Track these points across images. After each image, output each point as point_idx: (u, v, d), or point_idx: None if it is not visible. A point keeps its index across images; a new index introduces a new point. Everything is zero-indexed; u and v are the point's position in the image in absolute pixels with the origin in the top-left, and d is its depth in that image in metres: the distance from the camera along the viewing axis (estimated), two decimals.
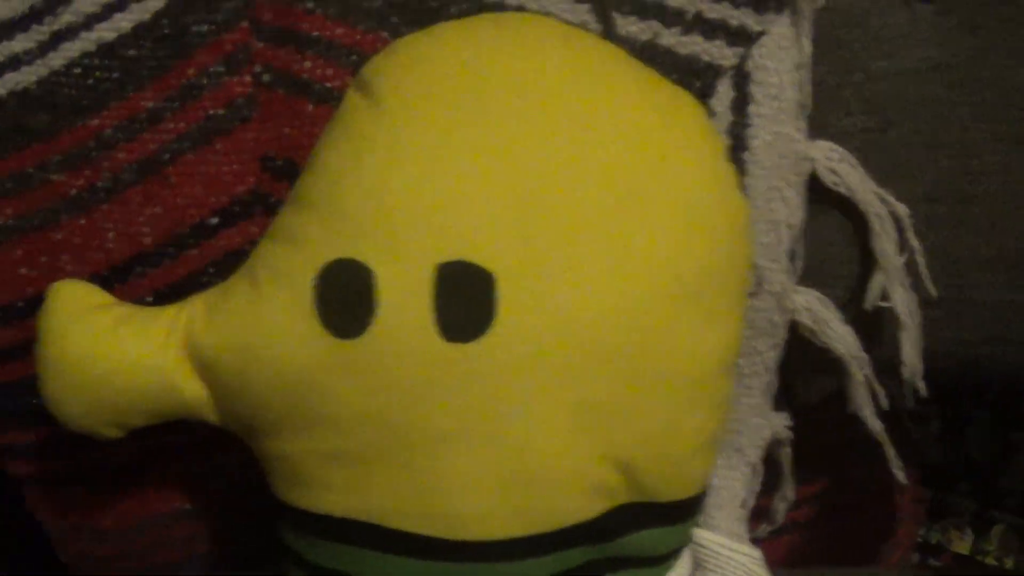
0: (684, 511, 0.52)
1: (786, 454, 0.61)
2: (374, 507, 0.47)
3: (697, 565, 0.55)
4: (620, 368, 0.47)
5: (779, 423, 0.59)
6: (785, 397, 0.61)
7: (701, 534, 0.56)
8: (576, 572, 0.50)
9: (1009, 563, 0.96)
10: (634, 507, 0.50)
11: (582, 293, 0.46)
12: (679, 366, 0.48)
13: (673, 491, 0.50)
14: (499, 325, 0.45)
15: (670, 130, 0.49)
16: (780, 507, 0.63)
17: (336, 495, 0.48)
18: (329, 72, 0.54)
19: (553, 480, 0.47)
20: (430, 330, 0.45)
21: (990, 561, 0.97)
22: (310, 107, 0.54)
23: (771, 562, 0.61)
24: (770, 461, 0.62)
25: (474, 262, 0.45)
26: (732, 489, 0.59)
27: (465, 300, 0.45)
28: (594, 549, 0.50)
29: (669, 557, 0.53)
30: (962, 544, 0.99)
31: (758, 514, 0.65)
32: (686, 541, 0.54)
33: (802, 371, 0.61)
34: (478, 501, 0.47)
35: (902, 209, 0.56)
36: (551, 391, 0.46)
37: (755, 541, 0.65)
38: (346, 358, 0.46)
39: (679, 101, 0.50)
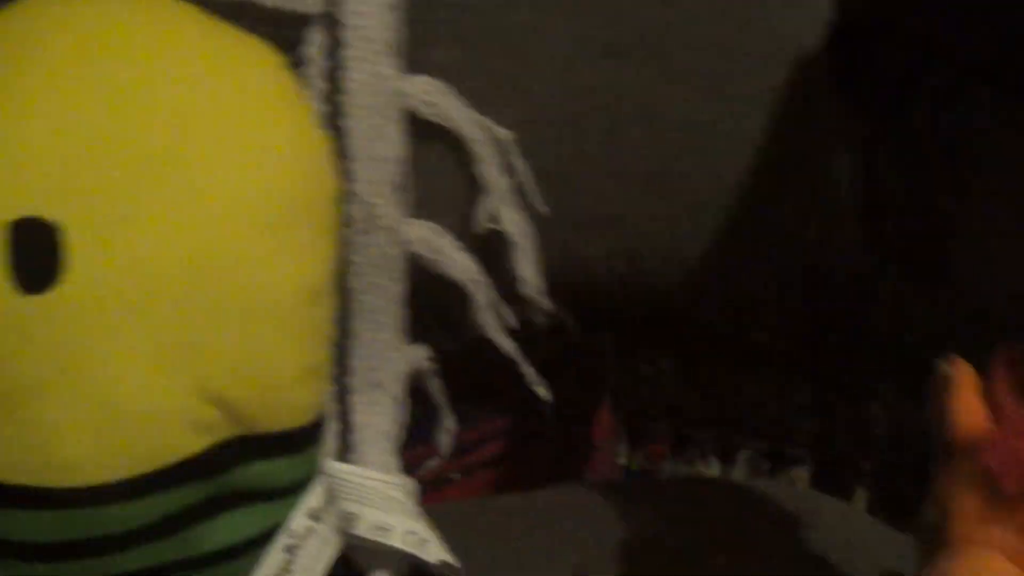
0: (297, 441, 0.53)
1: (436, 385, 0.62)
2: None
3: (331, 495, 0.56)
4: (198, 304, 0.48)
5: (416, 355, 0.60)
6: (450, 332, 0.63)
7: (331, 464, 0.57)
8: (194, 510, 0.51)
9: None
10: (240, 440, 0.51)
11: (152, 236, 0.47)
12: (259, 298, 0.49)
13: (276, 422, 0.51)
14: (72, 274, 0.46)
15: (233, 76, 0.50)
16: (444, 439, 0.64)
17: None
18: None
19: (147, 419, 0.48)
20: (6, 286, 0.46)
21: None
22: None
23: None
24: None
25: (43, 217, 0.46)
26: (378, 425, 0.60)
27: (37, 253, 0.46)
28: (206, 485, 0.51)
29: (293, 490, 0.54)
30: (709, 474, 1.02)
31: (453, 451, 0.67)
32: (310, 473, 0.55)
33: (457, 307, 0.63)
34: (77, 447, 0.48)
35: (503, 133, 0.58)
36: (133, 333, 0.47)
37: (448, 481, 0.66)
38: None
39: (245, 49, 0.51)
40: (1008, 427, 0.43)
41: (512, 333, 0.63)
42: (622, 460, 0.98)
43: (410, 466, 0.65)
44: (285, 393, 0.52)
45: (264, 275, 0.50)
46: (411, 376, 0.61)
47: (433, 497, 0.70)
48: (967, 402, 0.45)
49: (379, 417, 0.60)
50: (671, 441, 1.02)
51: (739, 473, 1.02)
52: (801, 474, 1.00)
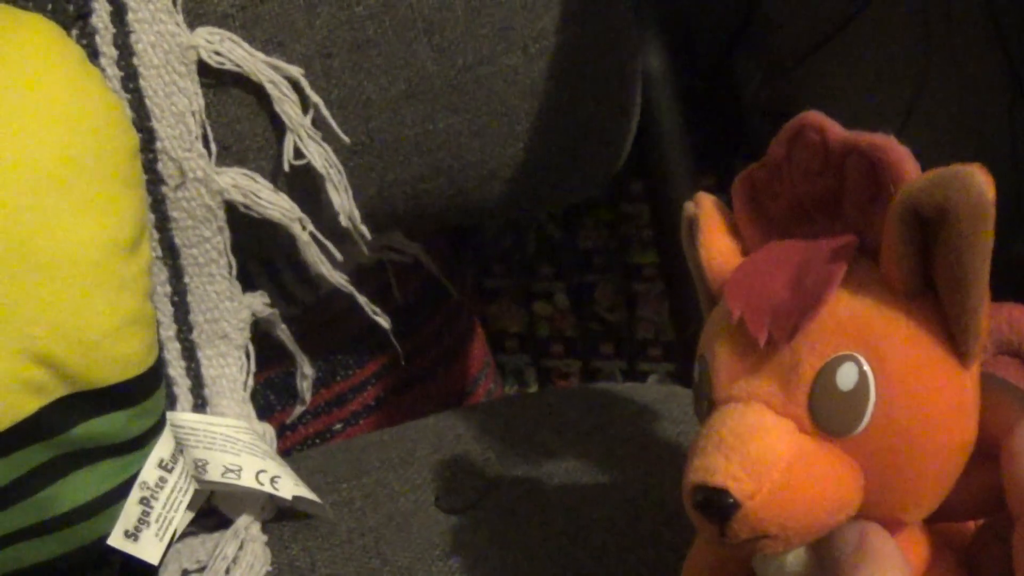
0: (128, 395, 0.53)
1: (284, 332, 0.63)
2: None
3: (179, 445, 0.57)
4: (6, 265, 0.49)
5: (256, 303, 0.61)
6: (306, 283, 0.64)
7: (175, 415, 0.58)
8: (40, 473, 0.52)
9: None
10: (72, 398, 0.51)
11: None
12: (65, 254, 0.50)
13: (104, 376, 0.52)
14: None
15: (18, 49, 0.51)
16: (303, 385, 0.65)
17: None
18: None
19: None
20: None
21: None
22: None
23: None
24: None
25: None
26: (229, 375, 0.61)
27: None
28: (47, 447, 0.51)
29: (139, 443, 0.55)
30: None
31: (328, 405, 0.67)
32: (153, 425, 0.56)
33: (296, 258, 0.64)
34: None
35: (295, 71, 0.59)
36: None
37: (332, 432, 0.67)
38: None
39: (26, 22, 0.53)
40: (749, 266, 0.36)
41: (368, 274, 0.64)
42: None
43: (286, 421, 0.66)
44: (107, 346, 0.52)
45: (66, 232, 0.51)
46: (258, 325, 0.62)
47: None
48: (715, 243, 0.38)
49: (228, 368, 0.61)
50: (580, 375, 1.03)
51: None
52: None
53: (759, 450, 0.32)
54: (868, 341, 0.32)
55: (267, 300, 0.62)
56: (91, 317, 0.52)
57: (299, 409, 0.67)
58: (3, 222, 0.49)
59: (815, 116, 0.34)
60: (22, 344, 0.49)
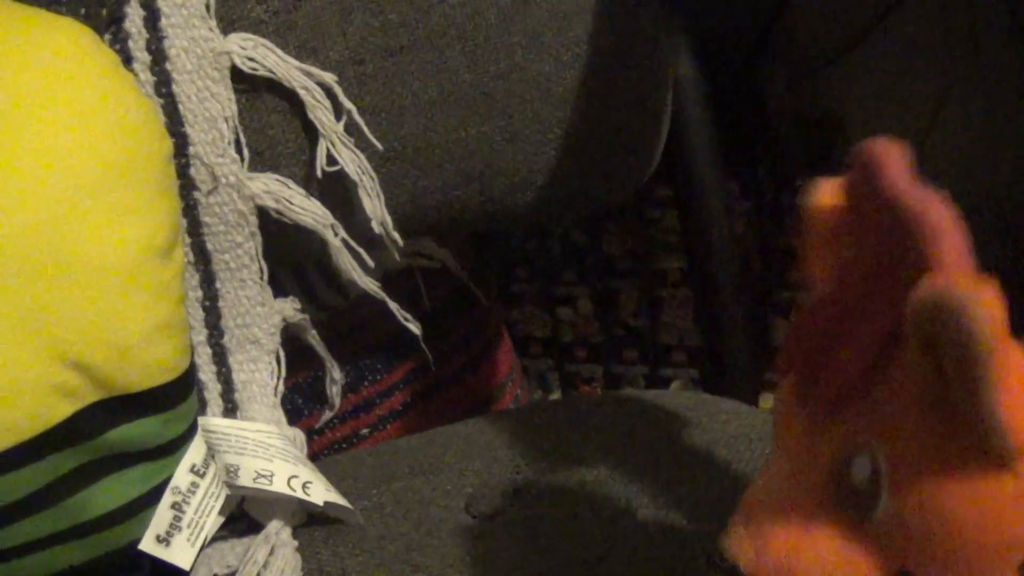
0: (160, 400, 0.54)
1: (314, 337, 0.63)
2: None
3: (210, 449, 0.57)
4: (43, 270, 0.49)
5: (287, 308, 0.61)
6: (335, 287, 0.64)
7: (207, 420, 0.58)
8: (73, 478, 0.52)
9: None
10: (106, 403, 0.52)
11: None
12: (99, 259, 0.50)
13: (137, 381, 0.52)
14: None
15: (54, 54, 0.52)
16: (332, 389, 0.65)
17: None
18: None
19: (8, 389, 0.49)
20: None
21: None
22: None
23: None
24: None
25: None
26: (260, 380, 0.61)
27: None
28: (79, 452, 0.52)
29: (171, 448, 0.55)
30: None
31: (354, 410, 0.67)
32: (185, 430, 0.56)
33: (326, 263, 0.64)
34: None
35: (329, 77, 0.59)
36: None
37: (359, 437, 0.67)
38: None
39: (59, 27, 0.53)
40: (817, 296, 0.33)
41: (396, 279, 0.64)
42: None
43: (314, 426, 0.66)
44: (140, 352, 0.52)
45: (101, 237, 0.51)
46: (287, 330, 0.62)
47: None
48: (819, 252, 0.33)
49: (258, 373, 0.61)
50: (602, 381, 1.02)
51: None
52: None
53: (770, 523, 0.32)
54: (887, 434, 0.31)
55: (298, 305, 0.62)
56: (124, 322, 0.52)
57: (328, 414, 0.67)
58: (39, 228, 0.49)
59: (876, 151, 0.30)
60: (55, 349, 0.50)
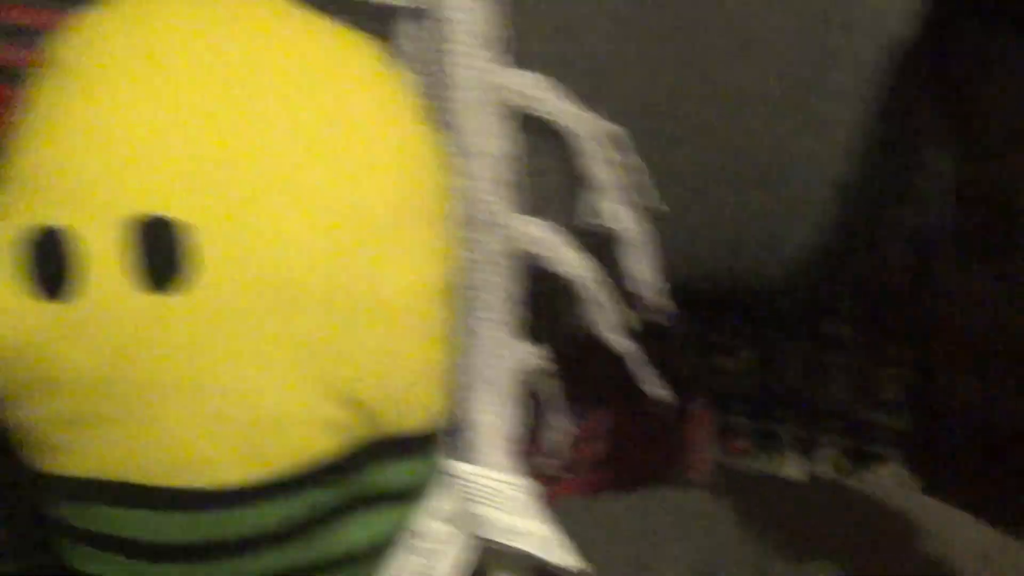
0: (426, 443, 0.53)
1: (550, 385, 0.62)
2: (113, 463, 0.48)
3: (455, 496, 0.55)
4: (327, 305, 0.48)
5: (528, 353, 0.60)
6: (551, 327, 0.62)
7: (456, 465, 0.56)
8: (324, 513, 0.51)
9: None
10: (372, 442, 0.51)
11: (279, 237, 0.47)
12: (384, 298, 0.49)
13: (406, 423, 0.51)
14: (204, 274, 0.47)
15: (348, 75, 0.50)
16: (556, 441, 0.64)
17: (76, 456, 0.49)
18: (22, 56, 0.54)
19: (280, 423, 0.48)
20: (134, 286, 0.46)
21: None
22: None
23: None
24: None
25: (172, 216, 0.46)
26: (493, 423, 0.59)
27: (167, 253, 0.46)
28: (338, 488, 0.51)
29: (421, 491, 0.54)
30: (794, 471, 1.01)
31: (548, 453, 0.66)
32: (436, 474, 0.55)
33: (556, 302, 0.62)
34: (208, 449, 0.48)
35: (609, 127, 0.57)
36: (264, 335, 0.47)
37: (550, 481, 0.66)
38: (57, 321, 0.46)
39: (350, 44, 0.51)
40: None
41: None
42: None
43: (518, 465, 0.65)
44: (412, 393, 0.51)
45: (390, 276, 0.49)
46: (526, 374, 0.61)
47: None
48: None
49: (495, 416, 0.60)
50: (751, 437, 1.01)
51: (821, 469, 1.01)
52: (884, 472, 0.99)
53: None
54: None
55: (542, 352, 0.60)
56: (402, 362, 0.51)
57: (542, 461, 0.65)
58: (331, 261, 0.48)
59: None
60: (331, 384, 0.49)
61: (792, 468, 0.99)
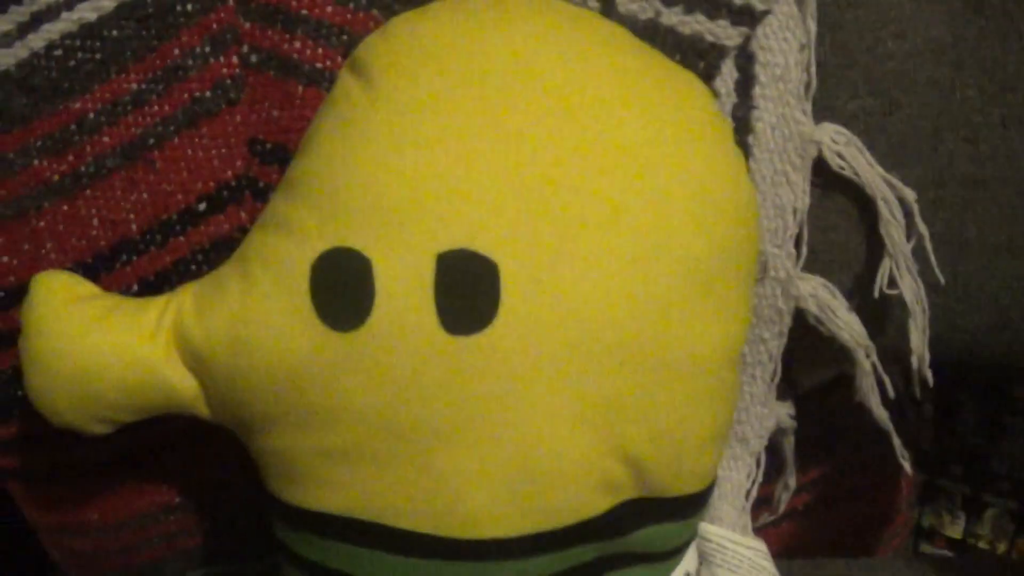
0: (692, 506, 0.50)
1: (789, 443, 0.60)
2: (375, 505, 0.46)
3: (703, 559, 0.53)
4: (628, 360, 0.45)
5: (783, 412, 0.57)
6: (785, 384, 0.60)
7: (707, 528, 0.54)
8: (584, 569, 0.49)
9: (1001, 547, 0.96)
10: (641, 502, 0.48)
11: (589, 282, 0.44)
12: (688, 358, 0.46)
13: (681, 486, 0.49)
14: (503, 316, 0.44)
15: (678, 113, 0.47)
16: (783, 496, 0.62)
17: (335, 492, 0.46)
18: (319, 52, 0.52)
19: (561, 476, 0.46)
20: (431, 322, 0.43)
21: (983, 545, 0.97)
22: (300, 89, 0.52)
23: (770, 550, 0.60)
24: (769, 449, 0.61)
25: (477, 251, 0.43)
26: (736, 480, 0.57)
27: (467, 290, 0.43)
28: (602, 545, 0.49)
29: (677, 552, 0.52)
30: (954, 528, 0.99)
31: (757, 502, 0.64)
32: (694, 535, 0.52)
33: (803, 358, 0.60)
34: (484, 498, 0.46)
35: (909, 193, 0.55)
36: (557, 384, 0.44)
37: (754, 530, 0.64)
38: (344, 351, 0.44)
39: (686, 83, 0.48)
40: None
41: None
42: None
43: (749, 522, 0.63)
44: (692, 457, 0.49)
45: (699, 334, 0.47)
46: (774, 432, 0.58)
47: None
48: None
49: (739, 473, 0.58)
50: (920, 489, 0.99)
51: (984, 529, 0.98)
52: None
53: None
54: None
55: (792, 411, 0.58)
56: (690, 426, 0.48)
57: (766, 517, 0.63)
58: (643, 314, 0.45)
59: None
60: (615, 443, 0.46)
61: (953, 524, 0.97)
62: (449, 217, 0.44)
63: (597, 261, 0.45)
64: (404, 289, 0.43)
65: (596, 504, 0.47)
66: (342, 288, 0.44)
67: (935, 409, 0.96)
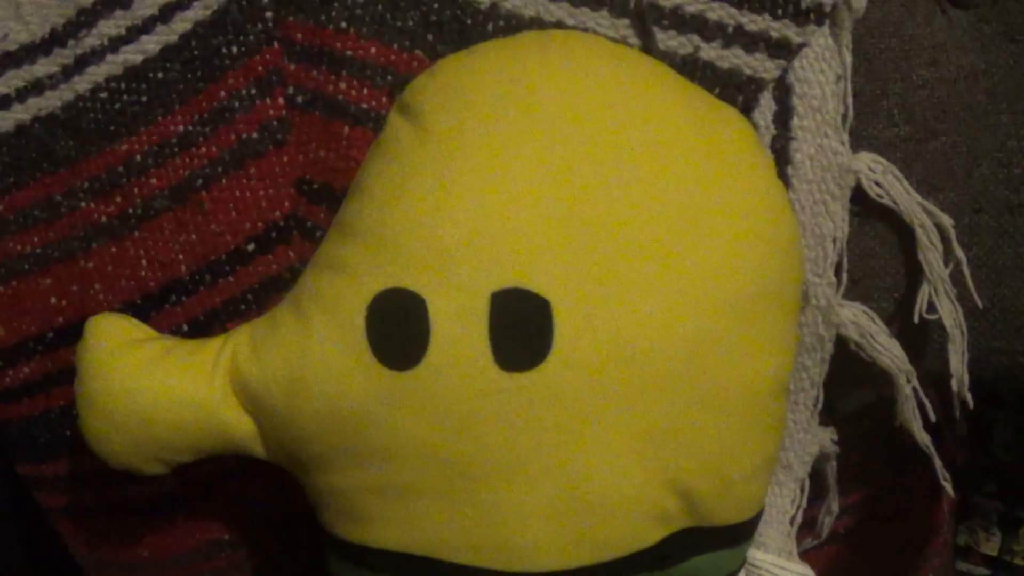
0: (741, 534, 0.51)
1: (832, 468, 0.60)
2: (431, 541, 0.47)
3: None
4: (680, 392, 0.46)
5: (826, 438, 0.58)
6: (826, 409, 0.61)
7: (755, 554, 0.55)
8: None
9: None
10: (692, 532, 0.49)
11: (640, 317, 0.45)
12: (738, 388, 0.47)
13: (730, 515, 0.50)
14: (556, 353, 0.45)
15: (721, 148, 0.48)
16: (826, 520, 0.62)
17: (390, 529, 0.47)
18: (364, 93, 0.53)
19: (614, 508, 0.47)
20: (486, 360, 0.44)
21: (1019, 561, 0.97)
22: (346, 129, 0.53)
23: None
24: (811, 473, 0.61)
25: (529, 289, 0.44)
26: (781, 506, 0.58)
27: (521, 328, 0.44)
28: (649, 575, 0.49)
29: None
30: (990, 545, 0.99)
31: (800, 527, 0.64)
32: (742, 563, 0.53)
33: (843, 383, 0.60)
34: (539, 532, 0.46)
35: (946, 220, 0.55)
36: (610, 418, 0.45)
37: (798, 554, 0.64)
38: (399, 390, 0.45)
39: (728, 117, 0.49)
40: None
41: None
42: None
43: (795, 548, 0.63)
44: (741, 486, 0.50)
45: (748, 365, 0.48)
46: (818, 458, 0.59)
47: None
48: None
49: (784, 499, 0.58)
50: (955, 508, 0.99)
51: (1020, 545, 0.98)
52: None
53: None
54: None
55: (836, 436, 0.58)
56: (740, 456, 0.49)
57: (809, 542, 0.64)
58: (692, 348, 0.46)
59: None
60: (667, 473, 0.47)
61: (988, 542, 0.97)
62: (501, 257, 0.45)
63: (646, 297, 0.45)
64: (459, 328, 0.44)
65: (649, 535, 0.48)
66: (398, 328, 0.45)
67: (969, 426, 0.96)
